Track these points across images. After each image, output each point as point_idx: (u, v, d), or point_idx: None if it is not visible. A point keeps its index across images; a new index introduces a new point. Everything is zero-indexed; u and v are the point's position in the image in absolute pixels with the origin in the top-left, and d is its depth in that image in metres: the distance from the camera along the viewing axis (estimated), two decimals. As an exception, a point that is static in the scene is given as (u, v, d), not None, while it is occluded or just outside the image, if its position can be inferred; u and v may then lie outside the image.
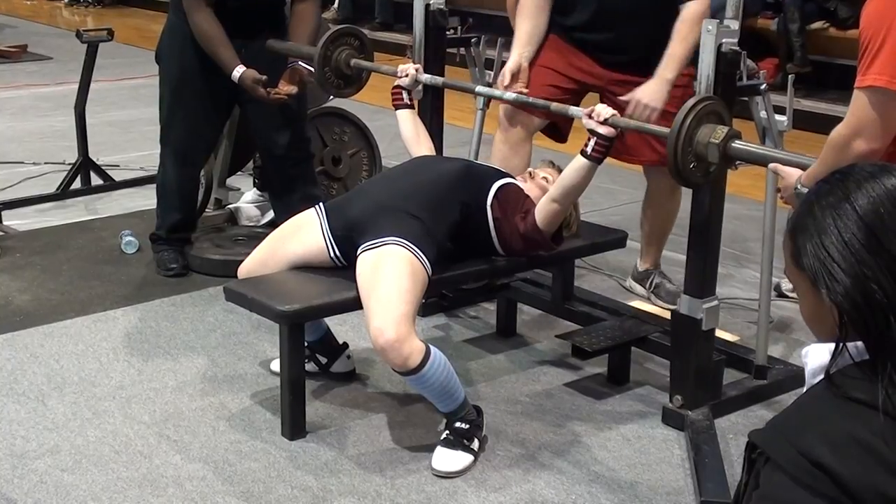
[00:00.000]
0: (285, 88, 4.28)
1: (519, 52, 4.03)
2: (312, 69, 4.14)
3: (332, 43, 4.08)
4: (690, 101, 3.01)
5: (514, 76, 3.96)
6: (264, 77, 4.23)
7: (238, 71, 4.23)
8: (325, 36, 4.07)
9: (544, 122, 4.20)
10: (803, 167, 2.78)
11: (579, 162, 3.32)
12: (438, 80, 3.93)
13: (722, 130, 2.98)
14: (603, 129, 3.25)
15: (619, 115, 3.29)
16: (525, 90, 3.89)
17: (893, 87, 2.60)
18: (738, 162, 3.11)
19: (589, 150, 3.28)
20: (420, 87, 3.95)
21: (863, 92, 2.65)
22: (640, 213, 4.55)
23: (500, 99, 3.82)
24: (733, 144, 2.98)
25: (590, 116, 3.27)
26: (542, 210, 3.43)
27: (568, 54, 4.11)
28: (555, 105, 3.54)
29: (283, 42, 4.35)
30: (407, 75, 3.86)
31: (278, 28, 4.49)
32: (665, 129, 3.05)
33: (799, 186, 2.73)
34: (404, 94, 3.86)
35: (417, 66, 3.91)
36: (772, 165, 2.90)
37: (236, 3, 4.32)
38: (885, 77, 2.61)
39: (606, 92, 4.10)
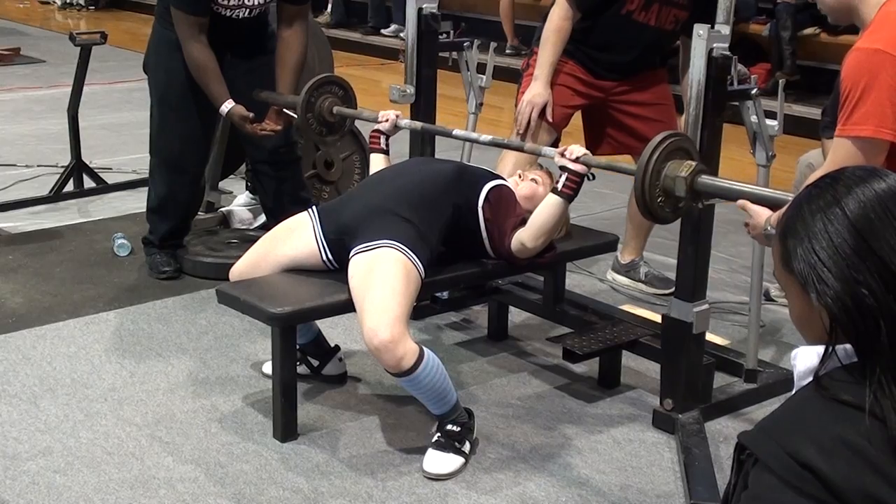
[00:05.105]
0: (270, 126, 4.31)
1: (546, 86, 4.22)
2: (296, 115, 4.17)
3: (315, 90, 4.07)
4: (658, 137, 3.01)
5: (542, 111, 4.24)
6: (251, 114, 4.27)
7: (226, 107, 4.26)
8: (308, 84, 4.06)
9: (553, 139, 4.36)
10: (773, 205, 2.75)
11: (551, 199, 3.37)
12: (417, 124, 3.93)
13: (689, 165, 2.98)
14: (575, 167, 3.29)
15: (589, 153, 3.33)
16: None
17: (880, 135, 2.64)
18: (708, 201, 3.10)
19: (560, 186, 3.33)
20: (398, 132, 3.93)
21: (848, 140, 2.68)
22: (628, 206, 4.62)
23: (476, 141, 3.82)
24: (700, 179, 2.96)
25: (562, 155, 3.31)
26: (517, 250, 3.44)
27: (580, 75, 4.32)
28: (528, 145, 3.63)
29: (270, 93, 4.35)
30: (387, 120, 3.84)
31: (265, 48, 4.49)
32: (632, 167, 3.05)
33: (769, 227, 2.70)
34: (382, 139, 3.84)
35: (398, 112, 3.88)
36: (740, 203, 2.84)
37: (223, 25, 4.32)
38: (870, 127, 2.65)
39: (610, 101, 4.38)
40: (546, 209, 3.38)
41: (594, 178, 3.38)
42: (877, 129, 2.65)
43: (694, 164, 2.98)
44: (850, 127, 2.69)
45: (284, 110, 4.27)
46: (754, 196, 2.84)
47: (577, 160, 3.28)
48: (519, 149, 3.65)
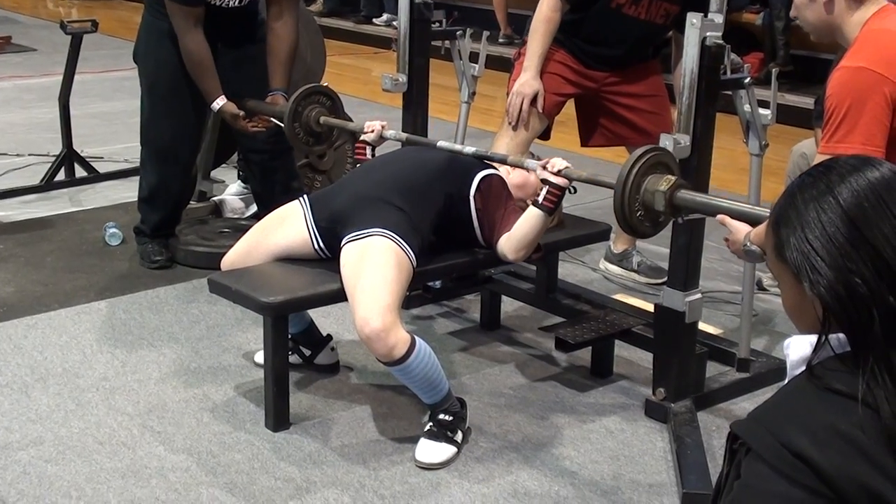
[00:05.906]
0: (262, 122, 4.31)
1: (536, 76, 4.21)
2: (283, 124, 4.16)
3: (303, 100, 4.04)
4: (638, 151, 3.00)
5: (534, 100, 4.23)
6: (242, 112, 4.28)
7: (218, 103, 4.28)
8: (296, 93, 4.03)
9: (544, 126, 4.35)
10: (752, 221, 2.73)
11: (531, 212, 3.36)
12: (402, 135, 3.91)
13: (669, 180, 2.97)
14: (556, 180, 3.29)
15: (571, 167, 3.31)
16: None
17: (866, 152, 2.65)
18: (688, 216, 3.08)
19: (541, 199, 3.33)
20: (383, 143, 3.92)
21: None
22: None
23: (460, 153, 3.80)
24: (679, 193, 2.94)
25: (544, 168, 3.31)
26: (501, 256, 3.46)
27: (571, 64, 4.31)
28: (511, 158, 3.58)
29: (257, 102, 4.34)
30: (373, 131, 3.82)
31: (254, 37, 4.48)
32: (612, 180, 3.04)
33: (748, 243, 2.69)
34: (368, 150, 3.83)
35: (383, 122, 3.86)
36: (719, 218, 2.81)
37: (213, 14, 4.30)
38: (856, 144, 2.66)
39: (602, 92, 4.38)
40: (527, 222, 3.38)
41: (575, 191, 3.37)
42: (863, 146, 2.66)
43: (674, 178, 2.97)
44: (834, 144, 2.70)
45: (272, 119, 4.26)
46: (733, 211, 2.82)
47: (558, 173, 3.29)
48: (502, 161, 3.61)
